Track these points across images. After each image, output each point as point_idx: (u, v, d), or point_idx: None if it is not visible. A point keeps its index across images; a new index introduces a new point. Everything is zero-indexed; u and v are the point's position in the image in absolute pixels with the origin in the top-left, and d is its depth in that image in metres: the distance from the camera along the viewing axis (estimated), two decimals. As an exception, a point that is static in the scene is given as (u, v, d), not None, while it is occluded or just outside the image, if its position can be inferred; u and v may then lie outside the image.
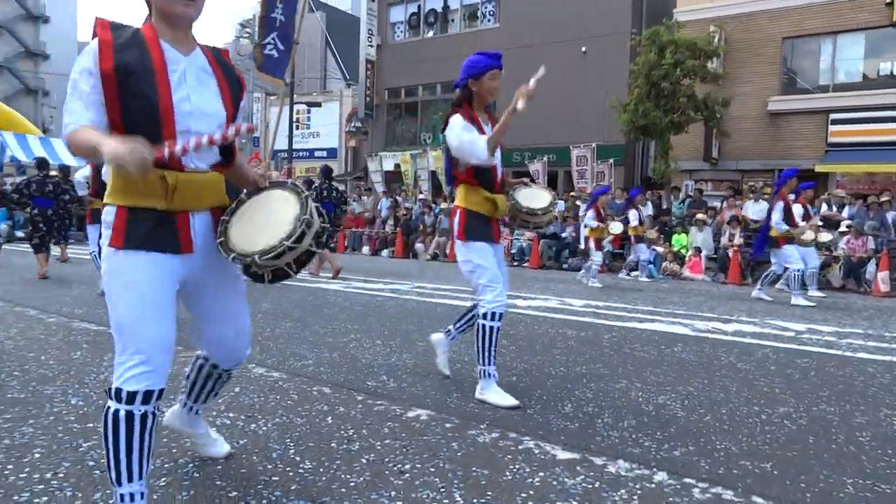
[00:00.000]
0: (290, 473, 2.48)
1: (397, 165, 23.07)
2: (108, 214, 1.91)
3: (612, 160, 17.68)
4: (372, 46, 24.25)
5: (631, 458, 2.73)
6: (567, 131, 19.43)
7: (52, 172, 10.48)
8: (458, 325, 4.01)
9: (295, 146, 25.85)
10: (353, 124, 25.74)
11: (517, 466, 2.61)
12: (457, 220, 3.61)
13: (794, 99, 17.13)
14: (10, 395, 3.38)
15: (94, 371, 3.87)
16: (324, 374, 4.01)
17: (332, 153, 26.55)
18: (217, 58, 2.08)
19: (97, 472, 2.42)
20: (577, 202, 14.95)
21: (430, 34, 24.42)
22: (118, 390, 1.85)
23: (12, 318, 5.55)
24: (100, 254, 1.99)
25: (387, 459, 2.64)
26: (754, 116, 17.33)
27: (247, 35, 37.00)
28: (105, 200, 1.93)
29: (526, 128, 21.86)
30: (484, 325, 3.48)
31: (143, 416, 1.87)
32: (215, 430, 2.66)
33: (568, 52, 20.28)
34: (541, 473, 2.54)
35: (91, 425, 2.93)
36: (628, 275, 12.06)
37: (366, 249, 17.61)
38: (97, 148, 1.69)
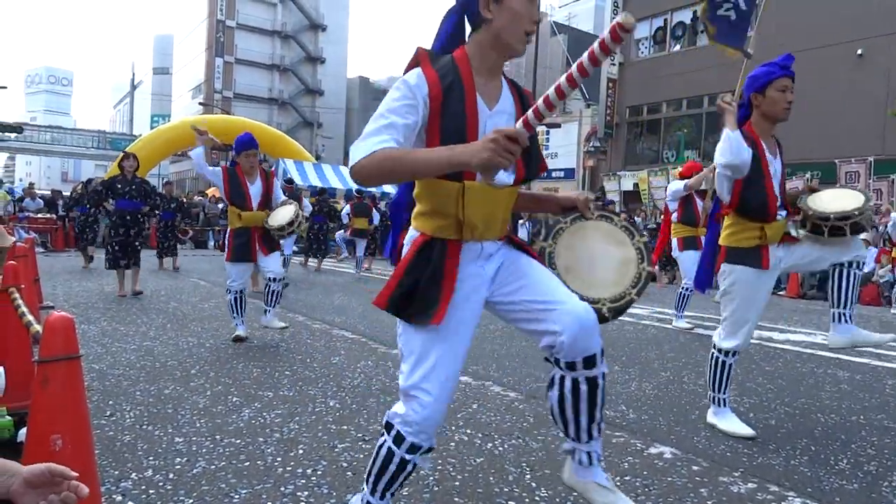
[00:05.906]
0: (527, 499, 2.42)
1: (636, 185, 22.33)
2: None
3: (892, 177, 15.30)
4: (614, 65, 23.81)
5: (932, 537, 2.25)
6: (834, 145, 17.26)
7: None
8: None
9: (533, 167, 26.22)
10: (591, 144, 25.46)
11: (780, 527, 2.28)
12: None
13: None
14: (281, 392, 3.79)
15: (350, 376, 4.20)
16: (560, 398, 3.91)
17: (569, 174, 26.47)
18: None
19: (349, 473, 2.59)
20: None
21: (677, 48, 23.36)
22: None
23: (285, 322, 6.27)
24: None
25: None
26: None
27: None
28: None
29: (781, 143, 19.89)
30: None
31: None
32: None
33: (839, 55, 18.09)
34: (811, 539, 2.20)
35: (345, 427, 3.17)
36: None
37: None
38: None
